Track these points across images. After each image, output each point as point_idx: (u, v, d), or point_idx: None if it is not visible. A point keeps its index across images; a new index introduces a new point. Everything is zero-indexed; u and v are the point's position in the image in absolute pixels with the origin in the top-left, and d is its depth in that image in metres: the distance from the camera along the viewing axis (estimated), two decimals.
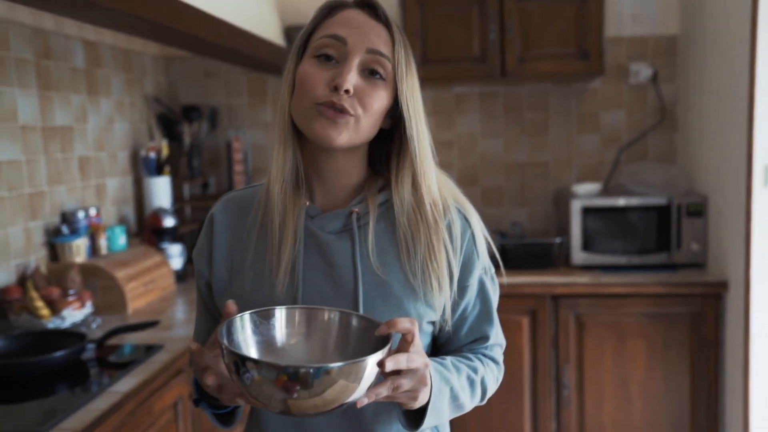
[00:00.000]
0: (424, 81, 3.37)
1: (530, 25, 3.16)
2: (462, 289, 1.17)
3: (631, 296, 2.98)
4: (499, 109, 3.60)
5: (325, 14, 1.12)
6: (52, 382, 1.88)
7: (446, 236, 1.14)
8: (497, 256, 1.26)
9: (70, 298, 2.30)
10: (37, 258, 2.48)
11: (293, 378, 0.87)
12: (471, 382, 1.16)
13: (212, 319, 1.25)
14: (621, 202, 3.12)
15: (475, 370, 1.17)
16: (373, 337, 0.98)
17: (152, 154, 3.16)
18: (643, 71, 3.38)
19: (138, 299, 2.56)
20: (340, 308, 1.07)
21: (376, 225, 1.14)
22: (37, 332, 2.15)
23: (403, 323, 0.96)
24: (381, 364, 0.91)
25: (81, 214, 2.66)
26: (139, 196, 3.23)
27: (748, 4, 2.57)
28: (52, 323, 2.23)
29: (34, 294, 2.23)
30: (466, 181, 3.64)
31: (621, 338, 3.01)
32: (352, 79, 1.05)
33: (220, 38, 2.38)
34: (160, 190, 3.13)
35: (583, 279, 3.01)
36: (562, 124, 3.56)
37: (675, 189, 3.15)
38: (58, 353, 1.90)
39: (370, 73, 1.07)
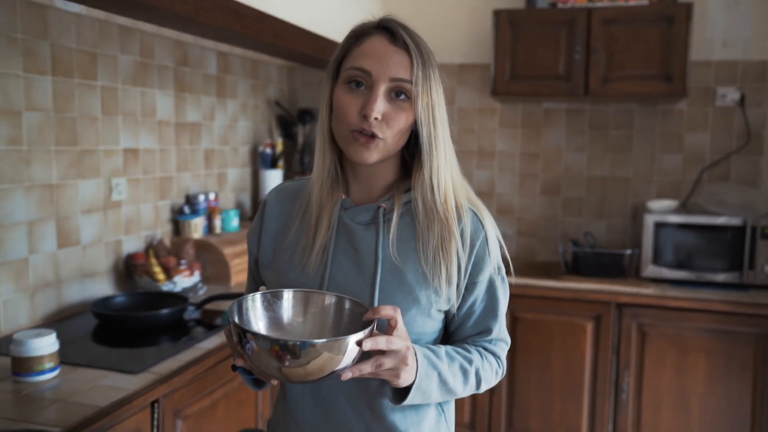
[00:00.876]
0: (513, 95, 3.62)
1: (615, 47, 3.27)
2: (472, 284, 1.25)
3: (695, 311, 3.02)
4: (585, 125, 3.74)
5: (352, 42, 1.21)
6: (157, 334, 2.19)
7: (458, 235, 1.22)
8: (508, 258, 1.32)
9: (183, 267, 2.65)
10: (162, 231, 2.86)
11: (284, 349, 0.98)
12: (464, 371, 1.23)
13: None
14: (693, 219, 3.19)
15: (470, 362, 1.25)
16: (363, 322, 1.08)
17: (268, 150, 3.55)
18: (729, 95, 3.44)
19: (240, 274, 2.92)
20: (337, 293, 1.18)
21: (400, 220, 1.23)
22: (152, 292, 2.50)
23: (386, 310, 1.07)
24: (359, 343, 1.02)
25: (202, 198, 3.02)
26: (255, 185, 3.61)
27: None
28: (166, 286, 2.58)
29: (154, 261, 2.62)
30: (549, 191, 3.82)
31: (682, 351, 3.06)
32: (379, 108, 1.15)
33: (322, 53, 2.72)
34: (273, 181, 3.49)
35: (648, 290, 3.08)
36: (645, 143, 3.65)
37: (754, 211, 3.19)
38: (164, 311, 2.24)
39: (395, 94, 1.17)
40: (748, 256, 3.11)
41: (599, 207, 3.76)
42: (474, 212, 1.26)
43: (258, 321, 1.14)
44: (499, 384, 3.28)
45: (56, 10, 2.23)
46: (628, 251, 3.35)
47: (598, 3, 3.39)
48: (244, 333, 1.02)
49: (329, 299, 1.18)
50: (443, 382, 1.19)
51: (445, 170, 1.23)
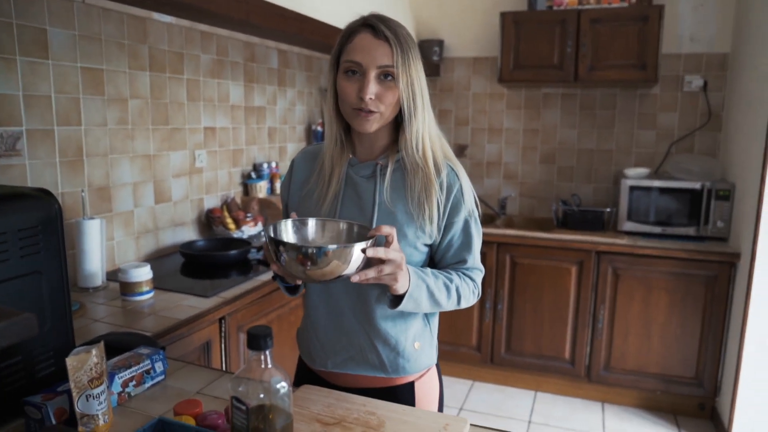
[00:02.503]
0: (516, 82, 3.62)
1: (600, 41, 3.25)
2: (450, 224, 1.28)
3: (659, 257, 3.03)
4: (576, 107, 3.72)
5: (345, 40, 1.24)
6: (227, 269, 2.27)
7: (438, 184, 1.25)
8: (478, 205, 1.33)
9: (249, 219, 2.71)
10: (234, 191, 2.92)
11: (305, 256, 1.02)
12: (447, 287, 1.26)
13: None
14: (660, 183, 3.18)
15: (450, 280, 1.27)
16: (366, 238, 1.11)
17: (320, 128, 3.59)
18: (695, 81, 3.38)
19: None
20: (348, 220, 1.22)
21: (393, 173, 1.26)
22: (225, 238, 2.57)
23: (385, 228, 1.10)
24: (364, 251, 1.06)
25: (265, 166, 3.05)
26: None
27: None
28: (236, 234, 2.64)
29: (227, 214, 2.69)
30: (546, 160, 3.83)
31: (648, 289, 3.09)
32: (371, 90, 1.19)
33: None
34: None
35: (623, 241, 3.10)
36: (625, 121, 3.62)
37: (711, 177, 3.17)
38: (232, 252, 2.31)
39: (384, 77, 1.20)
40: (704, 213, 3.10)
41: (587, 173, 3.76)
42: (451, 167, 1.28)
43: (288, 239, 1.18)
44: (500, 314, 3.38)
45: (153, 20, 2.30)
46: (608, 209, 3.36)
47: (586, 5, 3.35)
48: (277, 244, 1.05)
49: (343, 225, 1.21)
50: (431, 293, 1.21)
51: (423, 130, 1.25)
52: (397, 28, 1.22)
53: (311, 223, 1.22)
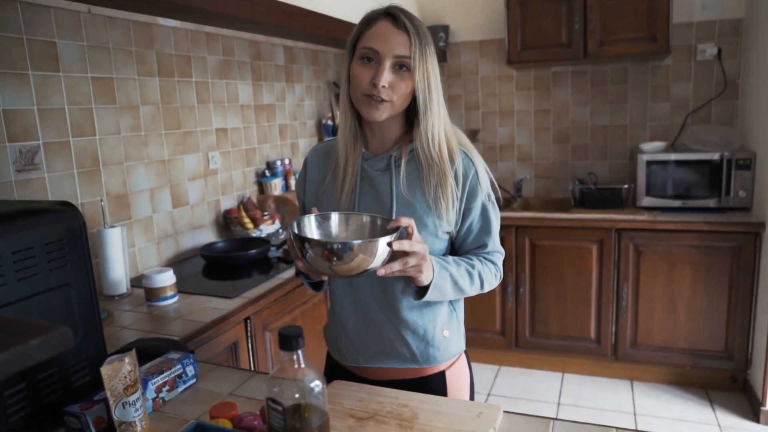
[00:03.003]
0: (525, 63, 3.57)
1: (608, 15, 3.20)
2: (468, 210, 1.28)
3: (681, 231, 3.00)
4: (587, 83, 3.67)
5: (363, 26, 1.24)
6: (248, 269, 2.28)
7: (452, 173, 1.24)
8: (497, 188, 1.34)
9: (266, 218, 2.72)
10: (250, 191, 2.94)
11: (331, 252, 1.01)
12: (469, 274, 1.26)
13: None
14: (678, 156, 3.13)
15: (472, 266, 1.28)
16: (389, 230, 1.12)
17: (329, 122, 3.60)
18: (708, 50, 3.33)
19: None
20: (371, 213, 1.21)
21: (407, 165, 1.26)
22: (244, 238, 2.58)
23: (404, 219, 1.10)
24: (390, 244, 1.05)
25: (279, 163, 3.06)
26: None
27: None
28: (254, 233, 2.65)
29: (244, 214, 2.70)
30: (559, 140, 3.80)
31: (670, 264, 3.06)
32: (386, 78, 1.18)
33: None
34: None
35: (642, 217, 3.07)
36: (638, 94, 3.57)
37: (730, 147, 3.12)
38: (252, 251, 2.32)
39: (398, 67, 1.20)
40: (725, 184, 3.05)
41: (602, 150, 3.72)
42: (465, 153, 1.28)
43: (312, 234, 1.18)
44: (522, 298, 3.37)
45: (159, 26, 2.31)
46: (626, 186, 3.33)
47: None
48: (302, 241, 1.05)
49: (366, 218, 1.20)
50: (454, 281, 1.22)
51: (438, 125, 1.25)
52: (417, 21, 1.22)
53: (334, 218, 1.21)
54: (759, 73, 3.01)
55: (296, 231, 1.11)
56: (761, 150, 2.94)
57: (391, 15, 1.22)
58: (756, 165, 2.99)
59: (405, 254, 1.09)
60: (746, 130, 3.20)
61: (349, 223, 1.21)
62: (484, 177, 1.29)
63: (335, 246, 1.02)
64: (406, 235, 1.11)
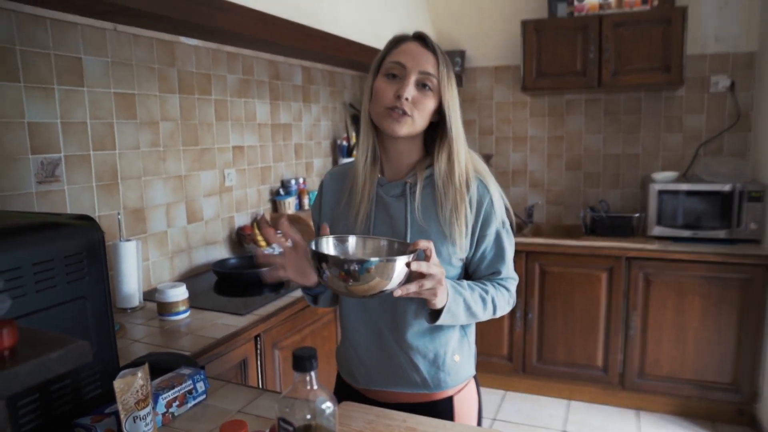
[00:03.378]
0: (539, 90, 3.60)
1: (623, 46, 3.21)
2: (482, 237, 1.28)
3: (691, 262, 2.98)
4: (600, 112, 3.68)
5: (392, 45, 1.27)
6: (260, 286, 2.26)
7: (468, 200, 1.24)
8: (512, 215, 1.35)
9: (279, 236, 2.73)
10: (264, 209, 2.95)
11: (348, 272, 1.01)
12: (483, 299, 1.25)
13: None
14: (689, 187, 3.12)
15: (486, 291, 1.27)
16: (407, 253, 1.11)
17: (345, 143, 3.61)
18: (722, 82, 3.33)
19: None
20: (388, 237, 1.22)
21: (423, 191, 1.26)
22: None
23: (422, 242, 1.09)
24: (408, 264, 1.05)
25: (293, 182, 3.07)
26: None
27: None
28: (267, 250, 2.62)
29: (257, 231, 2.71)
30: (572, 167, 3.80)
31: (680, 295, 3.03)
32: (410, 91, 1.20)
33: None
34: None
35: (653, 246, 3.06)
36: (651, 124, 3.57)
37: (741, 178, 3.11)
38: (264, 269, 2.16)
39: (422, 86, 1.22)
40: (736, 216, 3.04)
41: (614, 179, 3.72)
42: (480, 180, 1.28)
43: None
44: (531, 323, 3.35)
45: (181, 44, 2.35)
46: (637, 215, 3.32)
47: (608, 10, 3.33)
48: (320, 260, 1.05)
49: (383, 242, 1.20)
50: (467, 306, 1.21)
51: (462, 149, 1.26)
52: (439, 47, 1.27)
53: (351, 240, 1.21)
54: None
55: (314, 248, 1.10)
56: None
57: (420, 37, 1.26)
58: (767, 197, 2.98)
59: (421, 276, 1.09)
60: (759, 162, 3.19)
61: (366, 246, 1.21)
62: (499, 203, 1.29)
63: (353, 266, 1.01)
64: (424, 257, 1.10)
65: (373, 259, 1.02)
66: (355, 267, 1.01)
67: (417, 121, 1.23)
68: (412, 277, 1.08)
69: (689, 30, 3.29)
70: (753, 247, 2.99)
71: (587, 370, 3.29)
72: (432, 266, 1.09)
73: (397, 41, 1.27)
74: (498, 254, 1.31)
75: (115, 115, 2.09)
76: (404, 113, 1.21)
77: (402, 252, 1.15)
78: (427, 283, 1.09)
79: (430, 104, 1.23)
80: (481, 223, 1.27)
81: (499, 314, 1.31)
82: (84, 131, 1.97)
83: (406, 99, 1.20)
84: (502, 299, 1.30)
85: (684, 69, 3.14)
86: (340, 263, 1.03)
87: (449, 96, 1.23)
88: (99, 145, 2.03)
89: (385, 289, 1.05)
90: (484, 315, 1.27)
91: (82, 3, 1.66)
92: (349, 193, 1.33)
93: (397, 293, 1.06)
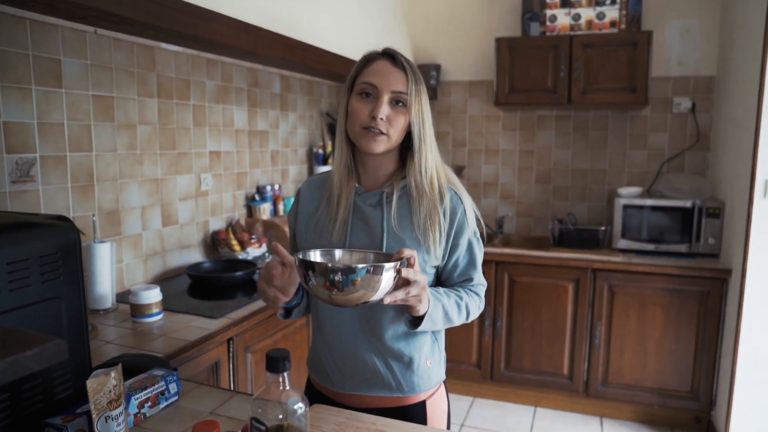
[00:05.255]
0: (512, 105, 3.65)
1: (592, 66, 3.29)
2: (455, 246, 1.30)
3: (653, 274, 3.05)
4: (570, 128, 3.76)
5: (363, 65, 1.28)
6: (233, 290, 2.27)
7: (441, 210, 1.27)
8: (482, 224, 1.37)
9: (254, 241, 2.72)
10: (239, 214, 2.93)
11: (333, 282, 1.02)
12: (458, 305, 1.30)
13: None
14: (653, 202, 3.20)
15: (460, 298, 1.31)
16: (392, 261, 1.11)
17: (321, 150, 3.62)
18: (683, 103, 3.43)
19: None
20: (374, 250, 1.23)
21: (399, 200, 1.28)
22: (231, 259, 2.56)
23: (406, 251, 1.12)
24: (398, 270, 1.07)
25: (269, 188, 3.07)
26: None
27: (759, 54, 2.63)
28: (241, 255, 2.65)
29: (232, 236, 2.69)
30: (541, 180, 3.87)
31: (642, 305, 3.10)
32: (384, 110, 1.22)
33: None
34: None
35: (617, 258, 3.12)
36: (617, 141, 3.66)
37: (701, 195, 3.20)
38: (238, 273, 2.31)
39: (395, 102, 1.24)
40: (695, 231, 3.12)
41: (581, 193, 3.79)
42: (454, 191, 1.30)
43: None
44: (499, 331, 3.38)
45: (161, 50, 2.34)
46: (602, 228, 3.39)
47: (578, 31, 3.42)
48: (306, 268, 1.04)
49: (369, 255, 1.20)
50: (445, 311, 1.25)
51: (431, 159, 1.28)
52: (412, 63, 1.28)
53: (337, 253, 1.22)
54: (727, 127, 3.12)
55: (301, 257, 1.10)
56: (729, 200, 3.02)
57: (390, 55, 1.28)
58: (725, 214, 3.07)
59: (406, 284, 1.11)
60: (716, 180, 3.29)
61: (353, 259, 1.21)
62: (471, 214, 1.32)
63: (337, 277, 1.01)
64: (407, 265, 1.12)
65: (362, 266, 1.02)
66: (341, 277, 1.02)
67: (393, 137, 1.25)
68: (397, 285, 1.10)
69: (654, 53, 3.39)
70: (711, 261, 3.07)
71: (553, 377, 3.33)
72: (418, 273, 1.12)
73: (367, 60, 1.28)
74: (470, 262, 1.34)
75: (93, 117, 2.06)
76: (380, 132, 1.23)
77: (386, 260, 1.15)
78: (413, 290, 1.12)
79: (404, 120, 1.25)
80: (455, 233, 1.30)
81: (471, 319, 1.34)
82: (61, 132, 1.94)
83: (381, 119, 1.22)
84: (474, 304, 1.34)
85: (648, 90, 3.22)
86: (327, 270, 1.03)
87: (417, 109, 1.25)
88: (75, 147, 2.00)
89: (372, 298, 1.06)
90: (459, 320, 1.31)
91: (64, 7, 1.64)
92: (327, 202, 1.34)
93: (387, 300, 1.08)
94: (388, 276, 1.05)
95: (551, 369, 3.33)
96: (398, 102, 1.24)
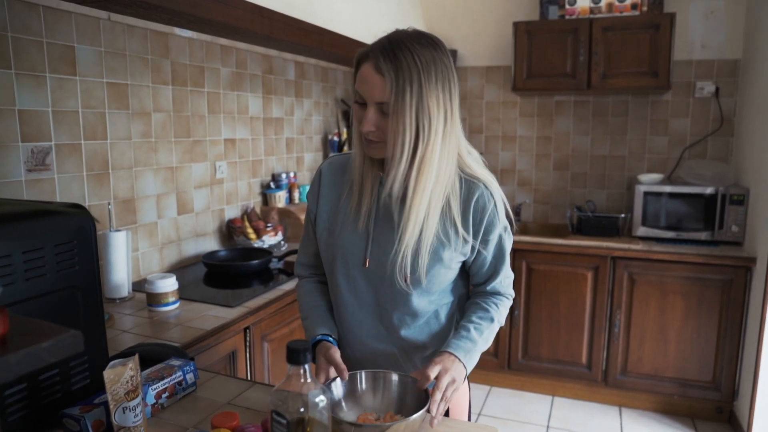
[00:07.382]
0: (529, 90, 3.58)
1: (612, 49, 3.22)
2: (485, 241, 1.27)
3: (674, 262, 2.99)
4: (589, 114, 3.69)
5: (356, 68, 1.19)
6: (249, 279, 2.26)
7: (472, 205, 1.22)
8: (512, 218, 1.33)
9: (269, 229, 2.70)
10: (254, 202, 2.92)
11: None
12: (489, 328, 1.29)
13: (313, 243, 1.38)
14: (674, 189, 3.14)
15: (491, 319, 1.29)
16: (414, 386, 1.12)
17: (336, 138, 3.59)
18: (707, 88, 3.35)
19: None
20: (396, 372, 1.17)
21: None
22: (246, 248, 2.55)
23: (423, 381, 1.11)
24: (431, 421, 1.08)
25: (284, 176, 3.04)
26: None
27: None
28: (256, 244, 2.63)
29: (248, 224, 2.68)
30: (559, 167, 3.81)
31: (663, 294, 3.05)
32: (370, 123, 1.14)
33: None
34: None
35: (637, 246, 3.07)
36: (638, 127, 3.59)
37: (724, 182, 3.13)
38: (255, 262, 2.30)
39: (383, 110, 1.13)
40: (718, 218, 3.06)
41: (600, 180, 3.73)
42: (485, 186, 1.23)
43: (338, 396, 1.14)
44: (517, 320, 3.35)
45: (175, 36, 2.31)
46: (622, 215, 3.33)
47: (598, 14, 3.34)
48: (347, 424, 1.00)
49: (394, 376, 1.17)
50: (479, 349, 1.26)
51: (438, 157, 1.16)
52: (401, 59, 1.10)
53: (361, 377, 1.17)
54: (753, 112, 3.04)
55: (339, 416, 1.05)
56: (754, 186, 2.95)
57: (375, 56, 1.13)
58: (749, 201, 3.00)
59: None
60: (740, 166, 3.21)
61: (376, 384, 1.17)
62: (502, 210, 1.27)
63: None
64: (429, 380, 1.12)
65: (393, 423, 0.98)
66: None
67: (390, 142, 1.15)
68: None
69: (676, 36, 3.30)
70: (734, 249, 3.01)
71: (571, 366, 3.30)
72: (446, 390, 1.13)
73: (357, 62, 1.18)
74: (500, 256, 1.31)
75: (107, 104, 2.05)
76: (374, 141, 1.17)
77: (407, 382, 1.15)
78: (448, 393, 1.14)
79: (397, 124, 1.13)
80: (485, 229, 1.25)
81: (504, 321, 1.35)
82: (75, 120, 1.93)
83: (370, 130, 1.15)
84: (504, 312, 1.34)
85: (671, 74, 3.15)
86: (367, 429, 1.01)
87: (408, 115, 1.11)
88: (90, 135, 1.99)
89: None
90: (492, 337, 1.32)
91: None
92: (350, 188, 1.28)
93: (435, 423, 1.09)
94: (417, 420, 1.01)
95: (569, 358, 3.29)
96: (385, 109, 1.13)
